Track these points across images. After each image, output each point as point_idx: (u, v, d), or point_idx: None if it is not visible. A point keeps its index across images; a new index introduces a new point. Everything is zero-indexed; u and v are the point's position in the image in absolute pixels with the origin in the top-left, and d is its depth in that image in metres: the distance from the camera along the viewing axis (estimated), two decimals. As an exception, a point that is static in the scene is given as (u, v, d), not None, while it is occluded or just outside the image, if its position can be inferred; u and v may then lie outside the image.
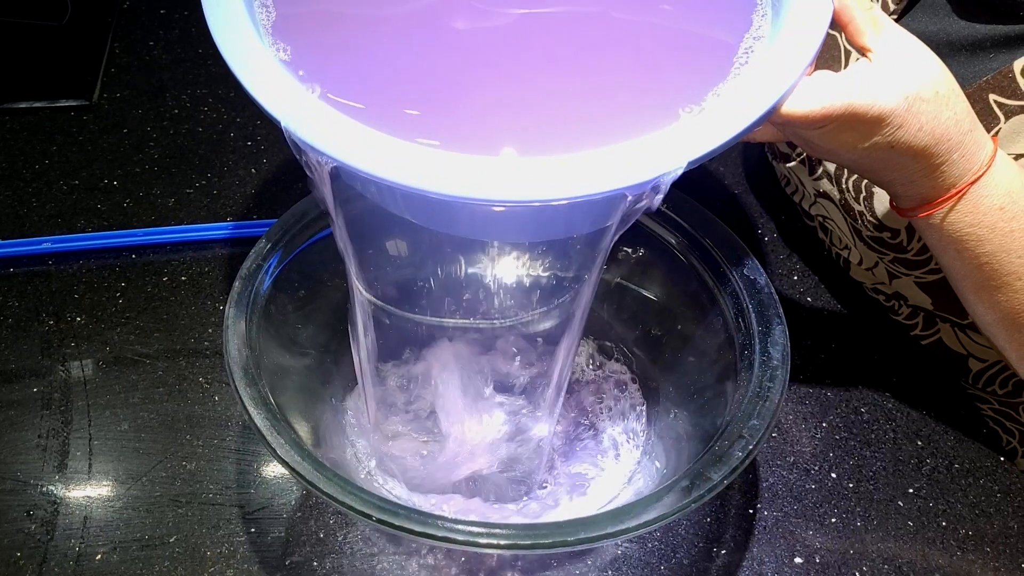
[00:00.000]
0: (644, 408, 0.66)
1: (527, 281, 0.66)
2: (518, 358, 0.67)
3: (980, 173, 0.51)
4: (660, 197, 0.44)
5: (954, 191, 0.51)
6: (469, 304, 0.66)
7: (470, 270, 0.66)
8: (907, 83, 0.47)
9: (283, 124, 0.44)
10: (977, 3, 0.60)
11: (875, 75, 0.47)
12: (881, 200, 0.64)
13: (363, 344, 0.57)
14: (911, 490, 0.64)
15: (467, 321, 0.66)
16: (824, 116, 0.46)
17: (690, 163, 0.43)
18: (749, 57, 0.48)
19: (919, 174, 0.51)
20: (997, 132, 0.57)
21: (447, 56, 0.48)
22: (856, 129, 0.48)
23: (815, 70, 0.48)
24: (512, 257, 0.67)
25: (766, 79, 0.46)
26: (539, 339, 0.67)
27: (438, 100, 0.47)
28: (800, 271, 0.78)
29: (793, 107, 0.46)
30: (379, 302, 0.63)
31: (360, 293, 0.57)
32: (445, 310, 0.66)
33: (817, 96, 0.46)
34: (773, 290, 0.58)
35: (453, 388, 0.63)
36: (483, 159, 0.44)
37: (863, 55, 0.49)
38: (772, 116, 0.46)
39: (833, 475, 0.64)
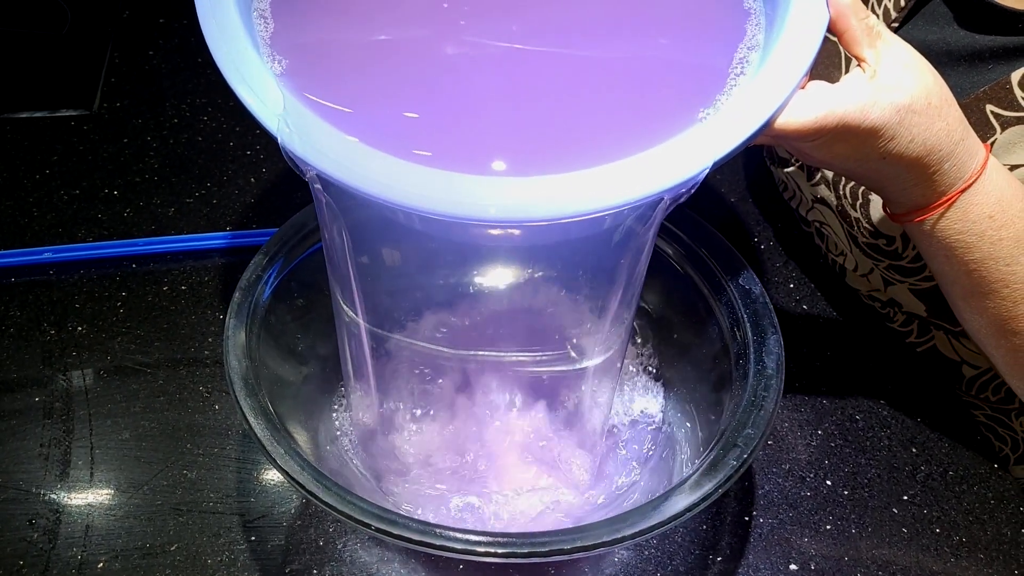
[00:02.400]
0: (641, 416, 0.66)
1: (558, 311, 0.66)
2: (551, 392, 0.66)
3: (971, 181, 0.51)
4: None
5: (944, 198, 0.52)
6: (491, 335, 0.66)
7: (487, 295, 0.66)
8: (900, 96, 0.48)
9: (279, 137, 0.45)
10: (978, 14, 0.61)
11: (868, 88, 0.48)
12: (877, 207, 0.65)
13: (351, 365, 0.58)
14: (906, 497, 0.64)
15: (489, 353, 0.66)
16: (817, 130, 0.47)
17: (700, 172, 0.44)
18: (745, 67, 0.49)
19: (911, 183, 0.52)
20: (993, 143, 0.57)
21: (446, 72, 0.49)
22: (848, 142, 0.49)
23: (810, 79, 0.48)
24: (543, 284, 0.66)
25: (759, 94, 0.46)
26: (575, 369, 0.66)
27: (439, 116, 0.48)
28: (796, 279, 0.78)
29: (786, 121, 0.46)
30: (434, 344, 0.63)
31: (351, 318, 0.57)
32: (463, 341, 0.65)
33: (810, 109, 0.46)
34: (768, 300, 0.58)
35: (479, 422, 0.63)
36: (517, 179, 0.45)
37: (858, 64, 0.50)
38: (766, 130, 0.46)
39: (828, 482, 0.65)
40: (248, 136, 0.88)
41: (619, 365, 0.59)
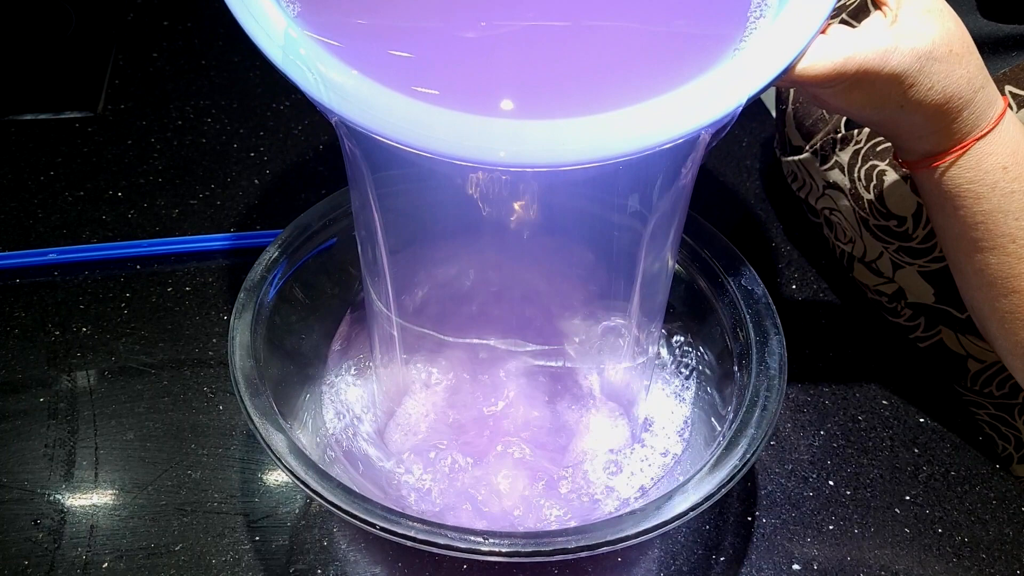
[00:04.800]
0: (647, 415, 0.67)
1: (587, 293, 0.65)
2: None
3: (987, 130, 0.51)
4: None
5: (959, 146, 0.51)
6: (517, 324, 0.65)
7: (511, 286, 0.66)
8: (920, 42, 0.47)
9: (282, 67, 0.45)
10: (1000, 3, 0.61)
11: (888, 34, 0.47)
12: (890, 188, 0.65)
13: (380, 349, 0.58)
14: (908, 497, 0.65)
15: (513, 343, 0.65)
16: (837, 75, 0.46)
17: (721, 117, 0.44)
18: (764, 11, 0.48)
19: (928, 130, 0.51)
20: None
21: (466, 16, 0.48)
22: (866, 88, 0.48)
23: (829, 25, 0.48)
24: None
25: (781, 36, 0.46)
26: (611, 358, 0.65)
27: (460, 58, 0.47)
28: (799, 280, 0.79)
29: (806, 66, 0.46)
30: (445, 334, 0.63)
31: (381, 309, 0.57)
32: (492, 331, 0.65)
33: (829, 55, 0.46)
34: (771, 300, 0.59)
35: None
36: (556, 121, 0.44)
37: (878, 8, 0.49)
38: (784, 76, 0.46)
39: (831, 483, 0.65)
40: (252, 138, 0.88)
41: (651, 358, 0.59)
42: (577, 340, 0.65)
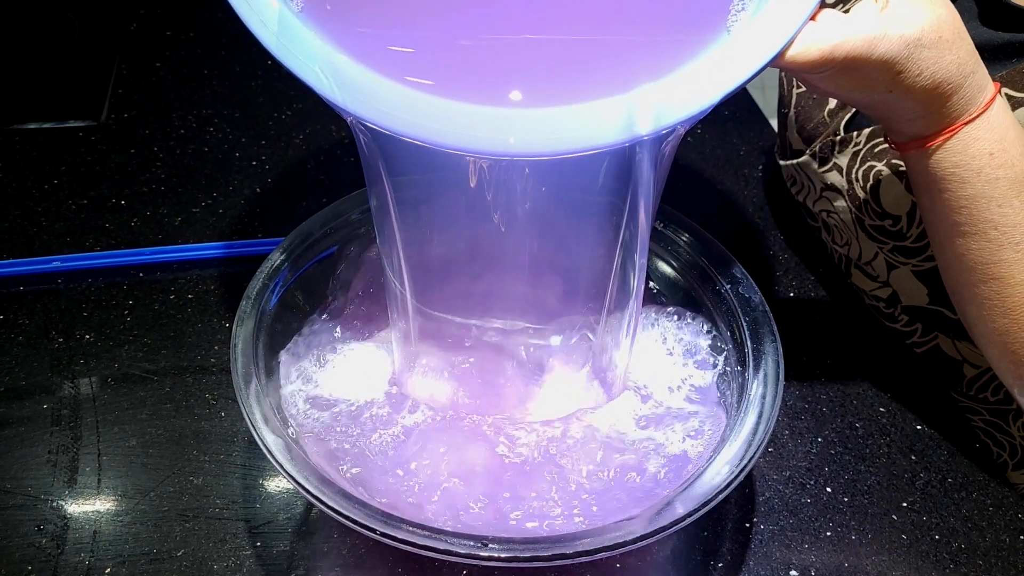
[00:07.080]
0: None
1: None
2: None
3: (976, 114, 0.51)
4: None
5: (948, 129, 0.52)
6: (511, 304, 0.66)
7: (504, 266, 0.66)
8: (909, 29, 0.47)
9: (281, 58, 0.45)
10: (999, 13, 0.62)
11: (878, 20, 0.47)
12: (887, 188, 0.66)
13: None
14: (905, 504, 0.65)
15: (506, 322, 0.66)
16: (825, 63, 0.47)
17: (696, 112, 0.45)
18: (745, 4, 0.48)
19: (917, 113, 0.52)
20: None
21: (464, 11, 0.49)
22: (855, 74, 0.49)
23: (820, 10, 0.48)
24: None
25: (771, 24, 0.46)
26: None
27: (460, 51, 0.48)
28: (797, 287, 0.79)
29: (795, 53, 0.46)
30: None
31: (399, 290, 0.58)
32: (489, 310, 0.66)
33: (818, 42, 0.46)
34: (768, 308, 0.59)
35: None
36: (553, 109, 0.45)
37: None
38: (774, 62, 0.47)
39: (828, 489, 0.65)
40: (253, 147, 0.89)
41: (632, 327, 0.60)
42: (564, 317, 0.65)
